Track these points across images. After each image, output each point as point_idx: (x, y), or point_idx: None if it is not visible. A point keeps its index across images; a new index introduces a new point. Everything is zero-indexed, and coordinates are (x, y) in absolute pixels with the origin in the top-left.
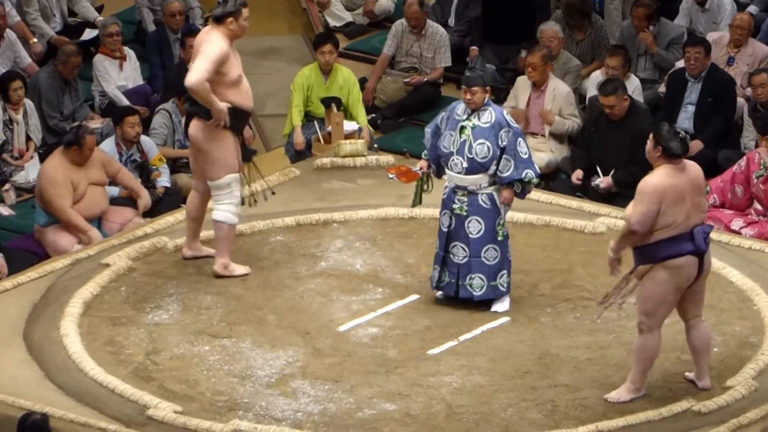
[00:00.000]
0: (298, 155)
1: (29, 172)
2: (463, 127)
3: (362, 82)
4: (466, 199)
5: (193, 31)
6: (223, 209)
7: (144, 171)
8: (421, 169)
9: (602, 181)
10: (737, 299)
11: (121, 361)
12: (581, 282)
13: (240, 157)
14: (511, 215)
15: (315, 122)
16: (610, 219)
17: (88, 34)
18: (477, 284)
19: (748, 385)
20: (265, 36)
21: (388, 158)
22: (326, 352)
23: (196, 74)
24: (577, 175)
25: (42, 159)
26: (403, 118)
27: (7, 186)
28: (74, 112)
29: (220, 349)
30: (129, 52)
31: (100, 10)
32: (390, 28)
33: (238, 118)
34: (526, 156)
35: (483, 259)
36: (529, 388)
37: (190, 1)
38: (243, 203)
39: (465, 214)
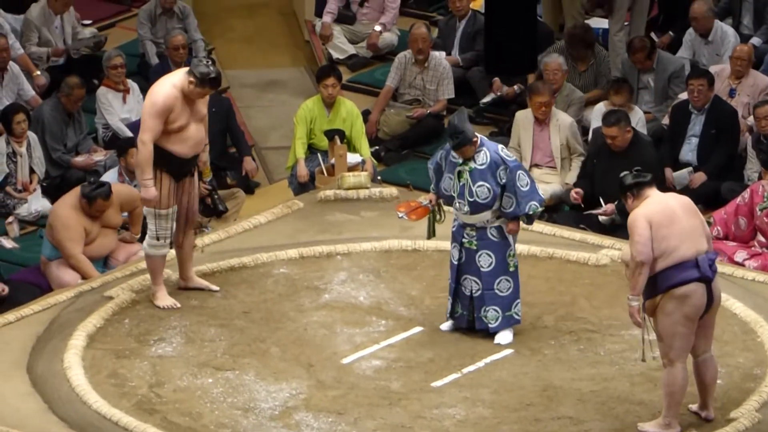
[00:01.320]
0: (301, 188)
1: (32, 204)
2: (460, 172)
3: (365, 114)
4: (474, 234)
5: None
6: (146, 240)
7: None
8: (430, 202)
9: (605, 208)
10: (741, 331)
11: (124, 394)
12: (585, 314)
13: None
14: (518, 248)
15: (318, 155)
16: (613, 251)
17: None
18: (492, 316)
19: (752, 417)
20: (268, 69)
21: (391, 190)
22: (330, 384)
23: (144, 134)
24: (577, 191)
25: (45, 191)
26: (407, 150)
27: (10, 219)
28: (78, 145)
29: (223, 381)
30: (132, 84)
31: (103, 42)
32: (393, 60)
33: (170, 162)
34: (527, 188)
35: (496, 291)
36: (533, 420)
37: (193, 34)
38: (158, 240)
39: (475, 248)
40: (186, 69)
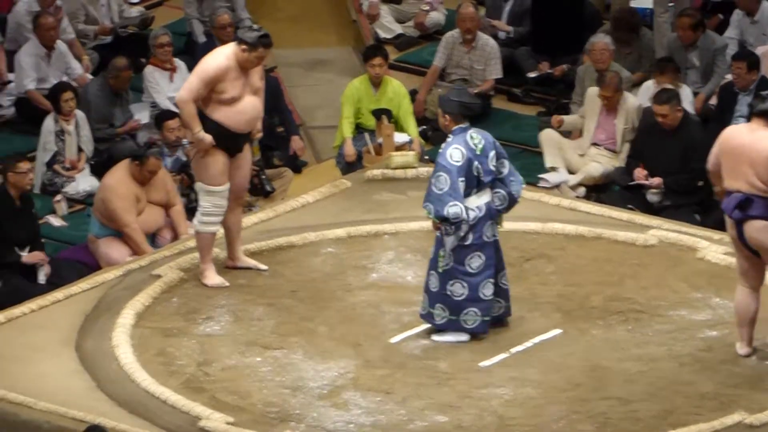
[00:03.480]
0: (348, 167)
1: (80, 183)
2: None
3: (413, 94)
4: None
5: None
6: (196, 216)
7: (188, 172)
8: None
9: (652, 180)
10: None
11: (172, 372)
12: (632, 294)
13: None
14: (563, 227)
15: (366, 134)
16: (661, 231)
17: None
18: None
19: None
20: (315, 48)
21: None
22: (377, 363)
23: (183, 91)
24: (640, 171)
25: (93, 170)
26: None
27: (58, 197)
28: (124, 124)
29: (271, 360)
30: (179, 63)
31: (150, 21)
32: (441, 40)
33: (224, 136)
34: (436, 192)
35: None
36: (581, 400)
37: (239, 13)
38: (209, 216)
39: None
40: (235, 41)
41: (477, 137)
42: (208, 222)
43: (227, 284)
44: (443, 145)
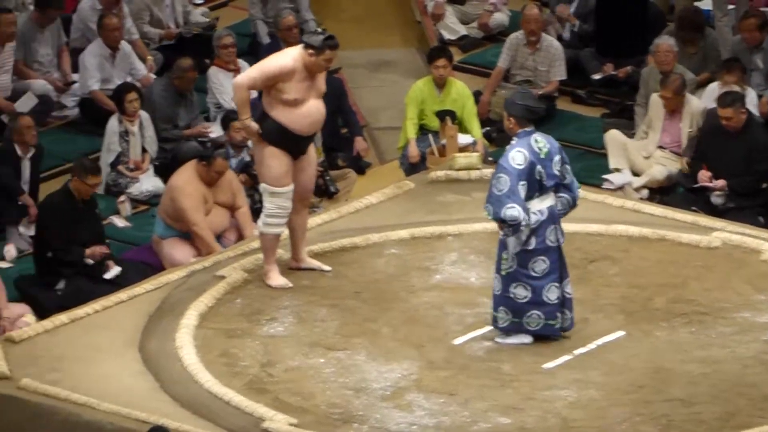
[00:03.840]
0: (412, 168)
1: (144, 183)
2: None
3: (477, 95)
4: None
5: None
6: (260, 218)
7: (250, 172)
8: None
9: (716, 183)
10: None
11: (236, 373)
12: (696, 296)
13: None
14: (626, 229)
15: (429, 135)
16: (725, 233)
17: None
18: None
19: None
20: (379, 49)
21: None
22: (441, 365)
23: (241, 76)
24: (704, 174)
25: (157, 171)
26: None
27: (122, 197)
28: (189, 126)
29: (335, 361)
30: (243, 64)
31: (215, 22)
32: (504, 41)
33: (286, 138)
34: (495, 192)
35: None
36: (644, 402)
37: (304, 14)
38: (273, 218)
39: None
40: (302, 45)
41: (542, 141)
42: (272, 223)
43: (291, 285)
44: (507, 147)
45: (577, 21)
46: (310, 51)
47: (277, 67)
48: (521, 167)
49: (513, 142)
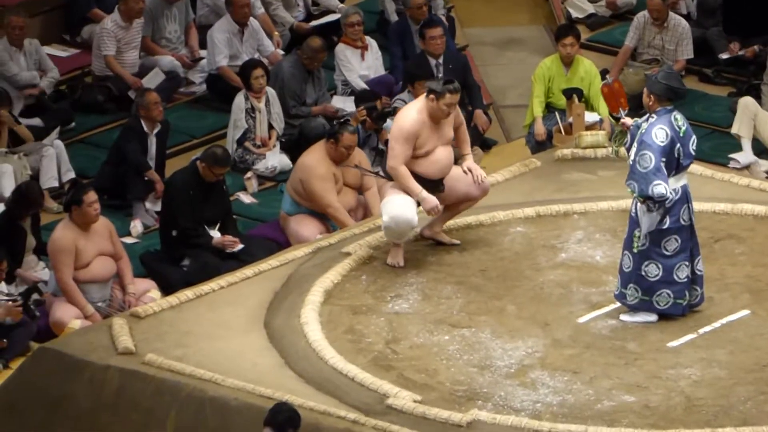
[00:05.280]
0: (538, 146)
1: (270, 160)
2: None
3: (604, 73)
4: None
5: (435, 23)
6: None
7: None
8: (623, 124)
9: None
10: None
11: (361, 350)
12: None
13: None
14: (752, 208)
15: (556, 113)
16: None
17: (330, 17)
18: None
19: None
20: (507, 26)
21: None
22: (566, 343)
23: (390, 160)
24: None
25: (283, 147)
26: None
27: (249, 174)
28: (316, 102)
29: (459, 338)
30: (371, 41)
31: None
32: (632, 20)
33: (423, 183)
34: (642, 171)
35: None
36: None
37: None
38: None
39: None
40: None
41: (681, 119)
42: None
43: (402, 265)
44: (645, 125)
45: None
46: (431, 96)
47: (410, 123)
48: (663, 144)
49: (652, 120)
